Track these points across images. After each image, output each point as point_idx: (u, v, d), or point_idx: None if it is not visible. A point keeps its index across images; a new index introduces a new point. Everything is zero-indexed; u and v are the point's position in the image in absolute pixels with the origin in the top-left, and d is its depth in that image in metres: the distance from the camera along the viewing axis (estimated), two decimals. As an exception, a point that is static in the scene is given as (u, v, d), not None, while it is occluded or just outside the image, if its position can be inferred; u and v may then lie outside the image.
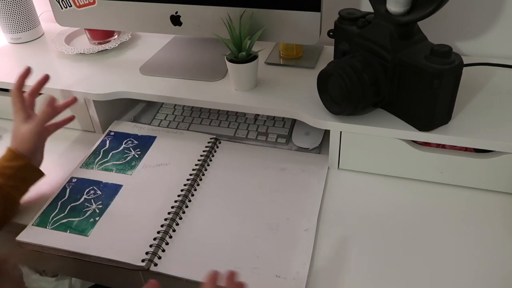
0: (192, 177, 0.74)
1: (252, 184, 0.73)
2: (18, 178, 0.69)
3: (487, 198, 0.69)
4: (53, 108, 0.75)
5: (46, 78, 0.79)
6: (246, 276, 0.59)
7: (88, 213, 0.69)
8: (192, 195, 0.72)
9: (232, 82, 0.81)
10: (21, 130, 0.72)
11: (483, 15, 0.87)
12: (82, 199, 0.72)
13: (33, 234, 0.66)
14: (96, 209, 0.70)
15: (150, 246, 0.63)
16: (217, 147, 0.82)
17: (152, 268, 0.61)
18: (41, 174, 0.72)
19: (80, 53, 0.96)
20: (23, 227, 0.67)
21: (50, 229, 0.67)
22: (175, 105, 0.92)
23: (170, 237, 0.65)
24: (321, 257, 0.62)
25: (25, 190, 0.70)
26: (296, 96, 0.78)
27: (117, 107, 0.91)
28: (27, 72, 0.78)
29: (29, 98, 0.77)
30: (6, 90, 0.92)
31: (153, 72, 0.88)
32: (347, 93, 0.66)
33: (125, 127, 0.87)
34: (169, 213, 0.68)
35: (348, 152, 0.74)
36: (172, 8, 0.85)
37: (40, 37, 1.08)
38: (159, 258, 0.62)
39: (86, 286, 1.14)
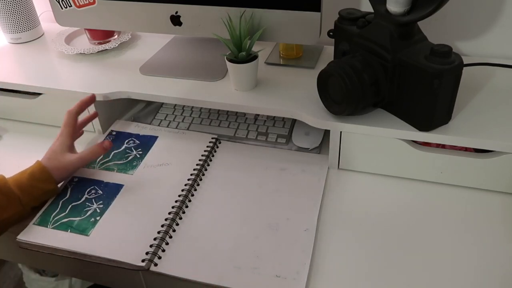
0: (192, 177, 0.74)
1: (252, 184, 0.73)
2: (42, 199, 0.70)
3: (487, 198, 0.69)
4: (104, 150, 0.74)
5: (92, 99, 0.79)
6: (246, 276, 0.59)
7: (89, 212, 0.69)
8: (192, 195, 0.72)
9: (232, 82, 0.81)
10: (64, 160, 0.71)
11: (483, 15, 0.87)
12: (83, 199, 0.72)
13: (33, 233, 0.66)
14: (97, 208, 0.70)
15: (150, 246, 0.63)
16: (217, 147, 0.82)
17: (152, 268, 0.61)
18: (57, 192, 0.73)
19: (80, 53, 0.96)
20: (23, 226, 0.67)
21: (51, 228, 0.67)
22: (175, 105, 0.92)
23: (170, 237, 0.65)
24: (321, 257, 0.62)
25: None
26: (296, 96, 0.78)
27: (117, 107, 0.91)
28: (92, 100, 0.78)
29: (79, 127, 0.77)
30: (6, 90, 0.92)
31: (153, 72, 0.89)
32: (347, 93, 0.66)
33: (127, 126, 0.87)
34: (169, 213, 0.68)
35: (348, 152, 0.74)
36: (172, 8, 0.85)
37: (40, 37, 1.08)
38: (159, 258, 0.62)
39: (86, 286, 1.15)
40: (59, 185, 0.72)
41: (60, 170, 0.70)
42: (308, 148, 0.80)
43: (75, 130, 0.75)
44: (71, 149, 0.74)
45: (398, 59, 0.65)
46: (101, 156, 0.79)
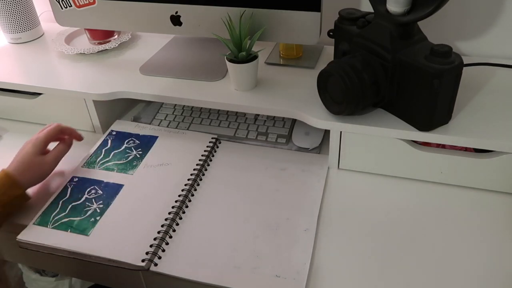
0: (192, 177, 0.74)
1: (252, 184, 0.73)
2: (10, 206, 0.68)
3: (487, 198, 0.69)
4: (68, 146, 0.78)
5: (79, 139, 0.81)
6: (246, 276, 0.59)
7: (89, 212, 0.69)
8: (192, 195, 0.72)
9: (232, 82, 0.81)
10: (42, 162, 0.72)
11: (483, 15, 0.87)
12: (83, 199, 0.72)
13: (33, 233, 0.66)
14: (97, 208, 0.70)
15: (150, 246, 0.63)
16: (217, 147, 0.82)
17: (152, 268, 0.61)
18: (27, 198, 0.71)
19: (80, 53, 0.96)
20: (23, 226, 0.67)
21: (51, 228, 0.67)
22: (175, 105, 0.92)
23: (170, 237, 0.65)
24: (321, 257, 0.62)
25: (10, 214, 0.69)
26: (296, 96, 0.78)
27: (117, 107, 0.91)
28: (78, 139, 0.80)
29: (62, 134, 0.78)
30: (6, 90, 0.92)
31: (153, 72, 0.89)
32: (347, 93, 0.66)
33: (127, 126, 0.87)
34: (169, 213, 0.68)
35: (348, 152, 0.74)
36: (172, 8, 0.85)
37: (40, 37, 1.08)
38: (159, 258, 0.62)
39: (86, 286, 1.15)
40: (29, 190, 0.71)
41: (37, 173, 0.71)
42: (308, 148, 0.80)
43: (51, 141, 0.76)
44: (43, 151, 0.74)
45: (398, 59, 0.65)
46: (101, 156, 0.79)
